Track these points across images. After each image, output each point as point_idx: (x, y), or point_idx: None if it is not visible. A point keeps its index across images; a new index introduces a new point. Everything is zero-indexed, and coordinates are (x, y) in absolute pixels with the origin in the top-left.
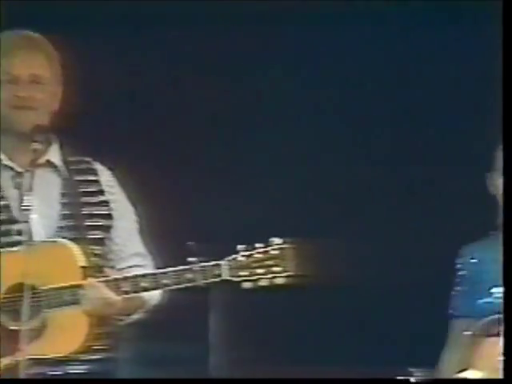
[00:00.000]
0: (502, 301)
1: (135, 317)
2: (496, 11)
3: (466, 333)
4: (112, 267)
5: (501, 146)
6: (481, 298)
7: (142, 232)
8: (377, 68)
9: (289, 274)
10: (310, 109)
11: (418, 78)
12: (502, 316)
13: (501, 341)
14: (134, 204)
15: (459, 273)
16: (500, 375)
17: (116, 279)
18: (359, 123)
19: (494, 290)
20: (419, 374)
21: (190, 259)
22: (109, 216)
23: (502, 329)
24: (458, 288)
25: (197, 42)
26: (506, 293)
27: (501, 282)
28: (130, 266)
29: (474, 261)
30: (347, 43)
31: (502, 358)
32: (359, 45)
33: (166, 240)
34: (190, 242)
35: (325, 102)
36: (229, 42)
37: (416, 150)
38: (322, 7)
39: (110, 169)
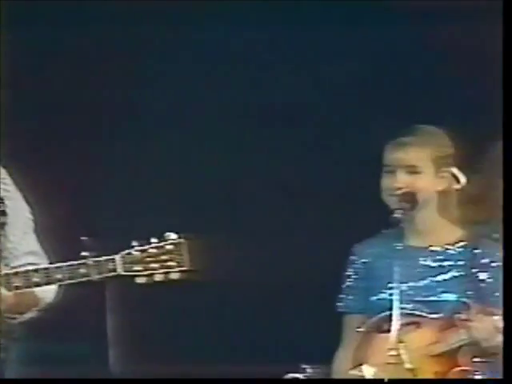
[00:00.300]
0: (394, 297)
1: (28, 315)
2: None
3: (358, 329)
4: (6, 265)
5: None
6: (373, 295)
7: (36, 231)
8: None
9: (183, 269)
10: (202, 108)
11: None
12: (393, 312)
13: (392, 337)
14: (28, 202)
15: (352, 270)
16: (391, 370)
17: (7, 274)
18: (254, 124)
19: (386, 286)
20: (311, 370)
21: (84, 254)
22: (2, 213)
23: (392, 325)
24: (351, 285)
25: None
26: (506, 292)
27: (392, 278)
28: (24, 265)
29: (366, 259)
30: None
31: (394, 353)
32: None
33: (62, 238)
34: (84, 237)
35: (222, 103)
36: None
37: (307, 149)
38: None
39: (3, 167)
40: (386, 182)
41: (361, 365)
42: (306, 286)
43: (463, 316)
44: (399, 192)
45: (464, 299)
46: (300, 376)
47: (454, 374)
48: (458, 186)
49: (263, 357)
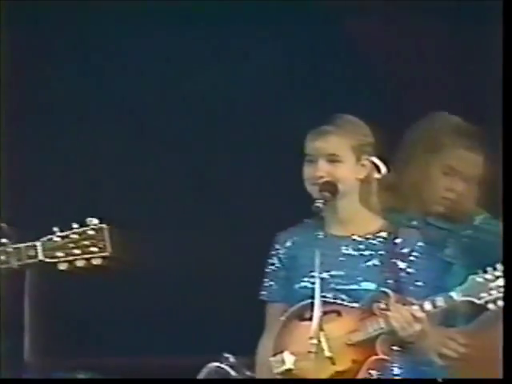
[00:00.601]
0: (315, 285)
1: None
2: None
3: (281, 318)
4: None
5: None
6: (295, 283)
7: None
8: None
9: (105, 254)
10: (125, 102)
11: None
12: (314, 301)
13: (312, 325)
14: None
15: (274, 259)
16: (311, 359)
17: None
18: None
19: (307, 275)
20: (234, 359)
21: (3, 241)
22: None
23: (313, 313)
24: (274, 273)
25: None
26: (505, 291)
27: (314, 266)
28: None
29: (288, 247)
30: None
31: (315, 341)
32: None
33: None
34: (3, 224)
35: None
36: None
37: (230, 139)
38: None
39: None
40: (308, 171)
41: (282, 352)
42: (229, 274)
43: (382, 305)
44: (320, 181)
45: (383, 288)
46: (223, 365)
47: (372, 362)
48: (378, 175)
49: (186, 346)
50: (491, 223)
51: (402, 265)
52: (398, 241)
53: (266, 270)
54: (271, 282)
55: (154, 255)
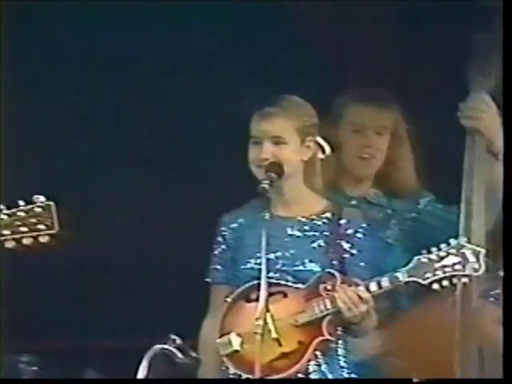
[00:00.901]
0: (261, 267)
1: None
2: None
3: (227, 299)
4: None
5: None
6: (241, 265)
7: None
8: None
9: (52, 232)
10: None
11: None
12: (260, 282)
13: (258, 306)
14: None
15: (220, 240)
16: (258, 340)
17: None
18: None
19: (253, 256)
20: (179, 341)
21: None
22: None
23: (259, 294)
24: (219, 255)
25: None
26: (505, 292)
27: (260, 247)
28: None
29: (234, 229)
30: None
31: (260, 322)
32: None
33: None
34: None
35: None
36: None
37: (177, 120)
38: None
39: None
40: (253, 152)
41: (228, 333)
42: (175, 255)
43: (328, 286)
44: (266, 163)
45: (329, 269)
46: (169, 346)
47: (318, 343)
48: (322, 156)
49: (133, 328)
50: (436, 207)
51: (346, 246)
52: (342, 222)
53: (212, 252)
54: (217, 265)
55: (100, 234)
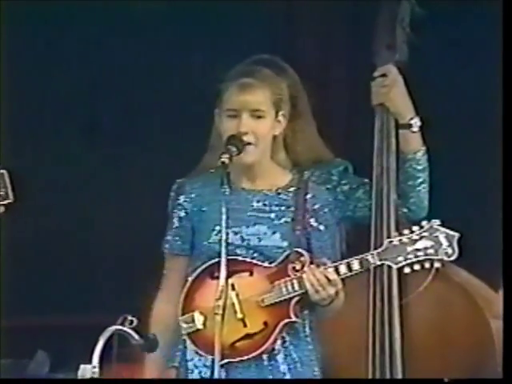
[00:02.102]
0: (226, 242)
1: None
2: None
3: (190, 277)
4: None
5: None
6: (203, 239)
7: None
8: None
9: (7, 202)
10: None
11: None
12: (222, 259)
13: (220, 284)
14: None
15: (179, 209)
16: (225, 319)
17: None
18: None
19: (216, 229)
20: (136, 321)
21: None
22: None
23: (221, 272)
24: (178, 225)
25: None
26: (506, 292)
27: (223, 221)
28: None
29: (194, 198)
30: None
31: (221, 302)
32: None
33: None
34: None
35: None
36: None
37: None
38: None
39: None
40: (230, 126)
41: (193, 311)
42: (132, 229)
43: (297, 266)
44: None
45: (297, 248)
46: (125, 327)
47: (284, 325)
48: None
49: (87, 307)
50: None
51: (313, 222)
52: (308, 196)
53: (170, 222)
54: (175, 236)
55: (54, 205)
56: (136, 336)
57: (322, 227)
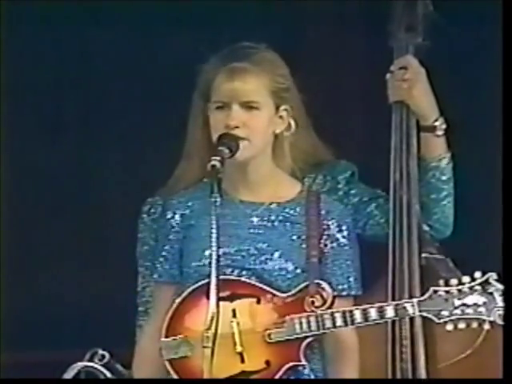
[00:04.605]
0: (213, 264)
1: None
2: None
3: (178, 298)
4: None
5: None
6: (194, 260)
7: None
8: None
9: None
10: None
11: None
12: (212, 279)
13: (212, 300)
14: None
15: (167, 230)
16: (217, 352)
17: None
18: None
19: (204, 251)
20: (108, 357)
21: None
22: None
23: (211, 293)
24: (164, 247)
25: None
26: (506, 293)
27: (219, 240)
28: None
29: (185, 215)
30: None
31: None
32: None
33: None
34: None
35: None
36: None
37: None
38: None
39: None
40: (218, 119)
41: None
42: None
43: (317, 302)
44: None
45: (310, 274)
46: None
47: (290, 369)
48: (291, 131)
49: (53, 341)
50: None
51: (328, 242)
52: (322, 212)
53: (155, 244)
54: (164, 262)
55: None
56: (107, 373)
57: (338, 249)
